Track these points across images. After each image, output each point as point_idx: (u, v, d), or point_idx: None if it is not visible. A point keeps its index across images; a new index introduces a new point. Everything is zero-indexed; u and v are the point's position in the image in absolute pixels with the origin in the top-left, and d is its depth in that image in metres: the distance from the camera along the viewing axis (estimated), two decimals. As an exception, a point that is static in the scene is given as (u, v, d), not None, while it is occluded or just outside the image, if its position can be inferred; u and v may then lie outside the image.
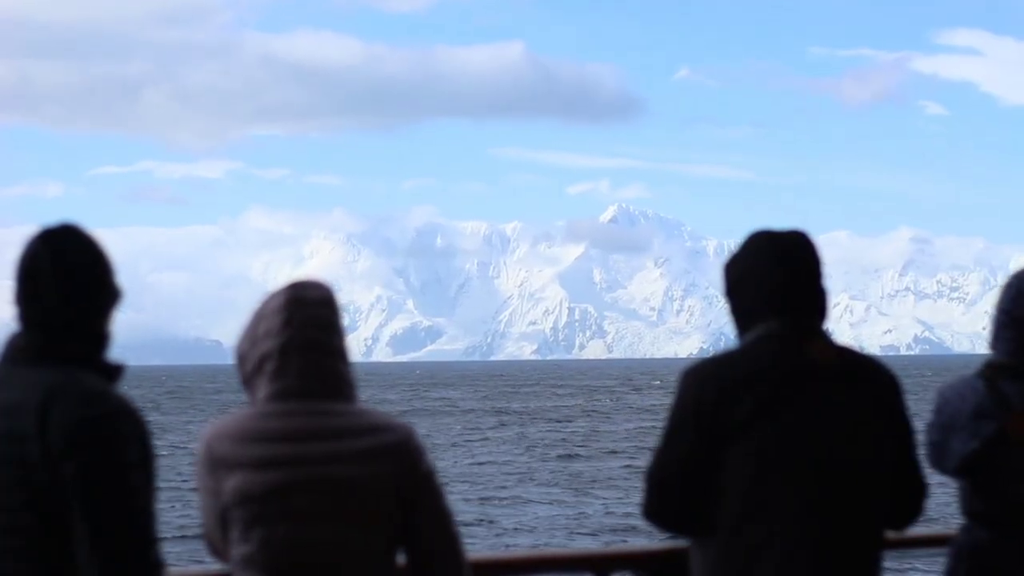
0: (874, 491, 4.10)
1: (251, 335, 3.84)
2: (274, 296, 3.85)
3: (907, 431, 4.19)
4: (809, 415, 4.04)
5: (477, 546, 24.89)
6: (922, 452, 4.38)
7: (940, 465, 4.59)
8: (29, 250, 3.59)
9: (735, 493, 4.04)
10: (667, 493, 4.12)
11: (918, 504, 4.25)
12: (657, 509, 4.15)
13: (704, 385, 4.08)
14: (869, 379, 4.13)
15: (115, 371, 3.59)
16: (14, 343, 3.56)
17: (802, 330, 4.13)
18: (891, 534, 4.27)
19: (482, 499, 35.70)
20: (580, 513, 33.02)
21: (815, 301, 4.17)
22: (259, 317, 3.84)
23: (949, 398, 4.55)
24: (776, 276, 4.15)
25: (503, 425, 65.56)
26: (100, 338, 3.60)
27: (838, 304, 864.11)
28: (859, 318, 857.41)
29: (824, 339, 4.15)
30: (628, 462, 43.48)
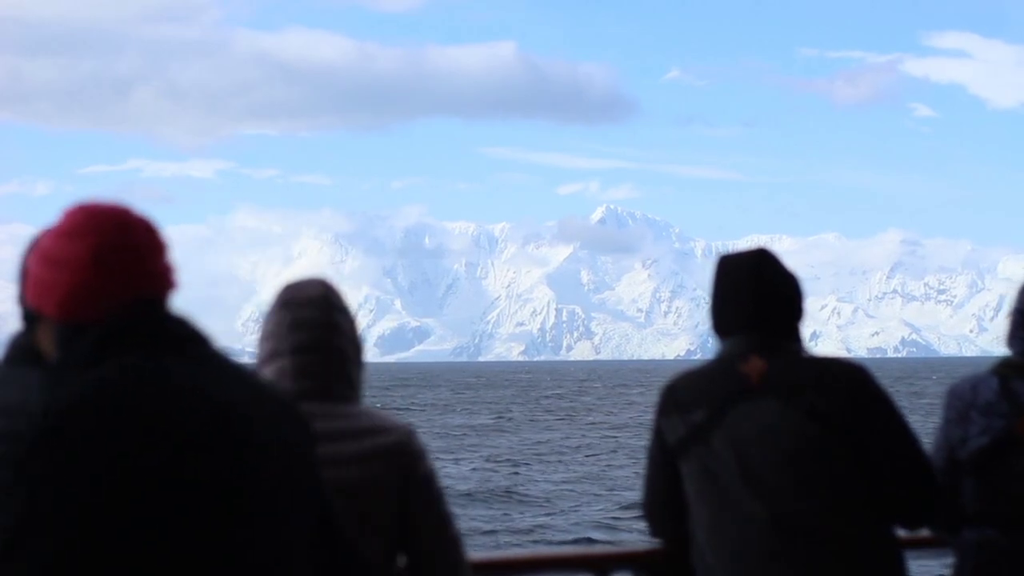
0: (828, 499, 4.09)
1: (257, 339, 3.82)
2: (273, 299, 3.82)
3: (881, 431, 4.16)
4: (738, 434, 4.14)
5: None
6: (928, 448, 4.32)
7: (947, 462, 4.56)
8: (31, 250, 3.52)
9: (690, 507, 4.26)
10: (646, 499, 4.42)
11: (922, 500, 4.19)
12: (645, 512, 4.46)
13: (662, 403, 4.34)
14: (809, 391, 4.14)
15: None
16: (16, 343, 3.49)
17: (749, 348, 4.23)
18: (903, 534, 4.27)
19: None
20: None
21: (770, 318, 4.25)
22: (263, 321, 3.82)
23: (960, 394, 4.55)
24: (731, 297, 4.30)
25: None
26: None
27: (826, 306, 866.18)
28: (847, 320, 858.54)
29: (762, 356, 4.20)
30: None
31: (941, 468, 4.51)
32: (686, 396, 4.26)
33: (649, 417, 4.20)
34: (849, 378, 4.17)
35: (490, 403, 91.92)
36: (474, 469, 43.05)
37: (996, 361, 4.60)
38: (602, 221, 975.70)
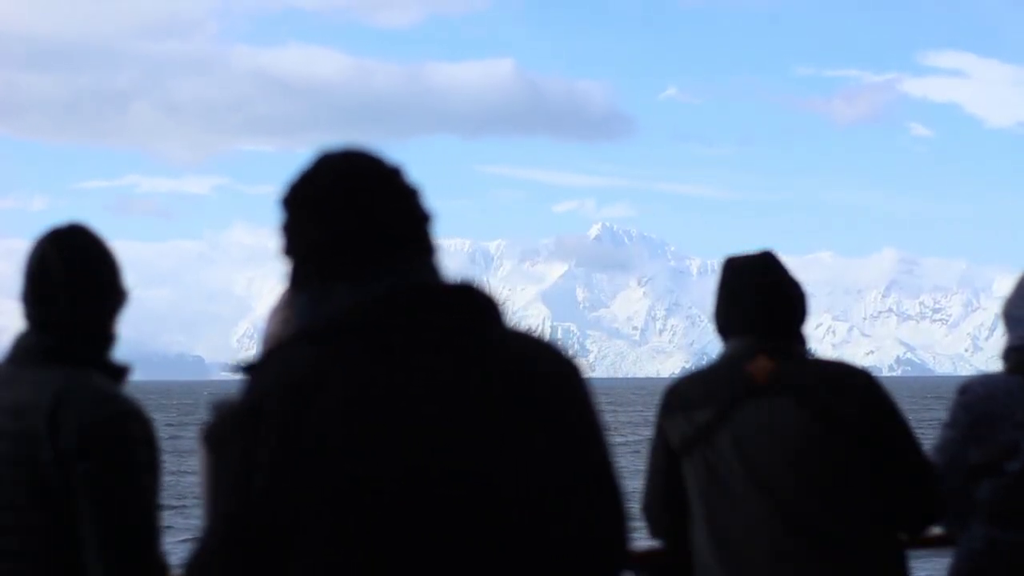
0: (831, 500, 4.08)
1: (263, 335, 3.84)
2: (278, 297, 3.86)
3: (889, 435, 4.15)
4: (745, 432, 4.13)
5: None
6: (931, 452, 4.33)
7: (959, 465, 4.45)
8: (38, 250, 3.57)
9: (692, 507, 4.25)
10: (647, 499, 4.40)
11: (925, 506, 4.19)
12: (644, 512, 4.42)
13: (665, 403, 4.32)
14: (822, 392, 4.13)
15: (121, 372, 3.62)
16: (21, 343, 3.57)
17: (754, 349, 4.21)
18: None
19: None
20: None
21: (775, 320, 4.25)
22: (268, 318, 3.85)
23: (987, 398, 4.44)
24: (736, 298, 4.29)
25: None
26: (107, 339, 3.62)
27: (820, 325, 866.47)
28: (841, 339, 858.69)
29: (768, 356, 4.18)
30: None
31: (950, 472, 4.43)
32: (691, 396, 4.25)
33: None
34: (860, 381, 4.19)
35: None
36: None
37: (1009, 363, 4.49)
38: (598, 239, 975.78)
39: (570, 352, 2.61)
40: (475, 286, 2.59)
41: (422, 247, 2.61)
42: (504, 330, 2.58)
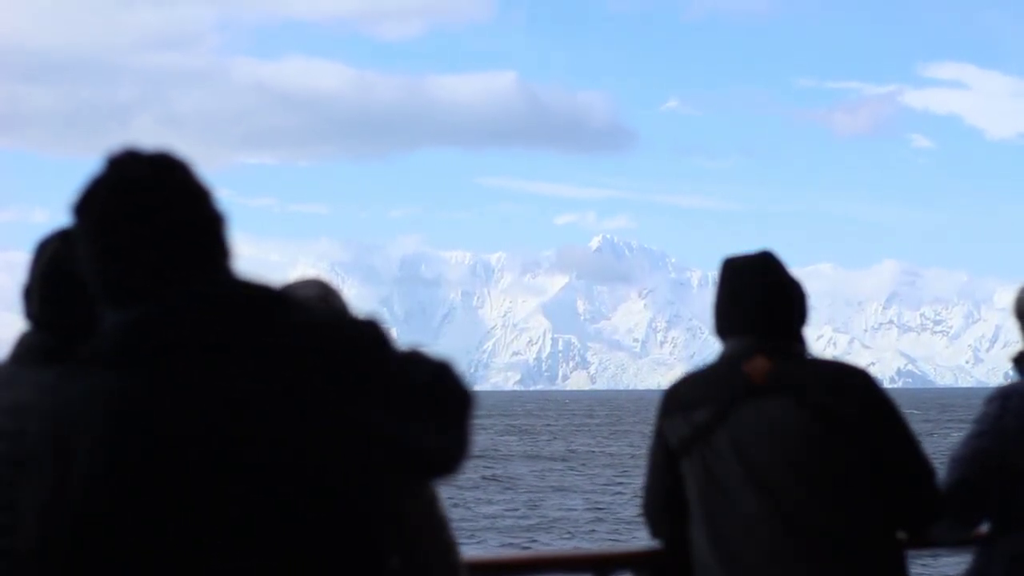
0: (830, 499, 4.10)
1: None
2: None
3: (888, 434, 4.17)
4: (743, 432, 4.14)
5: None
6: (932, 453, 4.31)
7: (986, 471, 4.42)
8: (50, 250, 3.45)
9: (691, 507, 4.27)
10: (646, 500, 4.44)
11: (923, 505, 4.21)
12: (645, 513, 4.48)
13: (665, 404, 4.36)
14: (820, 391, 4.13)
15: None
16: (24, 342, 3.52)
17: (753, 348, 4.22)
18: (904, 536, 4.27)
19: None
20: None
21: (774, 319, 4.25)
22: None
23: None
24: (736, 298, 4.30)
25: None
26: None
27: (821, 336, 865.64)
28: (842, 351, 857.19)
29: (765, 356, 4.19)
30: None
31: (971, 478, 4.40)
32: (689, 396, 4.27)
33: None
34: (859, 381, 4.20)
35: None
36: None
37: None
38: (599, 251, 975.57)
39: (372, 318, 2.68)
40: (256, 284, 2.46)
41: (209, 252, 2.48)
42: (287, 321, 2.45)
